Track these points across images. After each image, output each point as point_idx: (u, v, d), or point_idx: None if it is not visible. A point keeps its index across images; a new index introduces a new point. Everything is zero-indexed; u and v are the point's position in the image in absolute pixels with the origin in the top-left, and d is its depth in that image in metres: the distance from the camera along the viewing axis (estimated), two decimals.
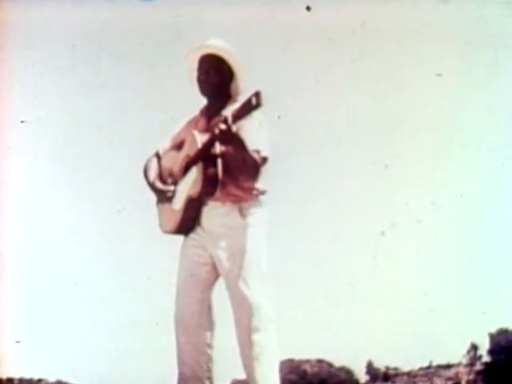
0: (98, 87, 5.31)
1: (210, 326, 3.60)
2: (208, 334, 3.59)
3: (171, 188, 3.61)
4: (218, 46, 3.64)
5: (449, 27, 5.15)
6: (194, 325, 3.57)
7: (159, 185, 3.66)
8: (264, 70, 4.88)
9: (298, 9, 5.01)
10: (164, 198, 3.64)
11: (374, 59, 5.39)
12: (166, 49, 5.18)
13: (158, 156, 3.77)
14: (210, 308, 3.62)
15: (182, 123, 3.82)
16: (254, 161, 3.41)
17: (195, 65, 3.67)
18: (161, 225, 3.72)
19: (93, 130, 5.33)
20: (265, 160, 3.44)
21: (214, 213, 3.55)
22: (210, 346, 3.59)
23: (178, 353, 3.59)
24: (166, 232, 3.70)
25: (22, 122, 4.89)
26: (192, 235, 3.62)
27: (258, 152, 3.41)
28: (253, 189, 3.53)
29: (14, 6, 4.87)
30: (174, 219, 3.61)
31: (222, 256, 3.52)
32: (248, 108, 3.16)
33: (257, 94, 3.12)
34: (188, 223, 3.59)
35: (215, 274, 3.60)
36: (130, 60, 5.31)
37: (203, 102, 3.76)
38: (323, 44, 5.24)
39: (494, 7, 4.95)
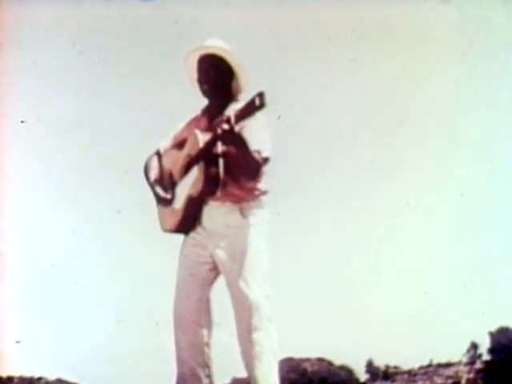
0: (98, 87, 5.32)
1: (208, 324, 3.60)
2: (207, 332, 3.58)
3: (169, 196, 3.62)
4: (216, 45, 3.63)
5: (449, 27, 5.16)
6: (193, 323, 3.56)
7: (159, 191, 3.66)
8: (264, 70, 4.88)
9: (297, 9, 5.01)
10: (163, 203, 3.65)
11: (374, 59, 5.39)
12: (166, 49, 5.18)
13: (158, 155, 3.76)
14: (208, 307, 3.62)
15: (183, 122, 3.81)
16: (256, 161, 3.40)
17: (195, 66, 3.66)
18: (161, 224, 3.71)
19: (93, 129, 5.33)
20: (266, 160, 3.44)
21: (215, 212, 3.54)
22: (208, 344, 3.59)
23: (177, 351, 3.59)
24: (165, 231, 3.69)
25: (21, 122, 4.90)
26: (192, 234, 3.61)
27: (259, 152, 3.40)
28: (254, 189, 3.53)
29: (14, 6, 4.87)
30: (175, 218, 3.60)
31: (223, 255, 3.51)
32: (251, 108, 3.16)
33: (260, 95, 3.11)
34: (188, 222, 3.59)
35: (215, 273, 3.60)
36: (130, 60, 5.31)
37: (204, 101, 3.75)
38: (323, 44, 5.25)
39: (493, 7, 4.95)
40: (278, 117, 4.01)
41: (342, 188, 5.67)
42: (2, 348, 4.82)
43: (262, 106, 3.10)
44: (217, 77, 3.62)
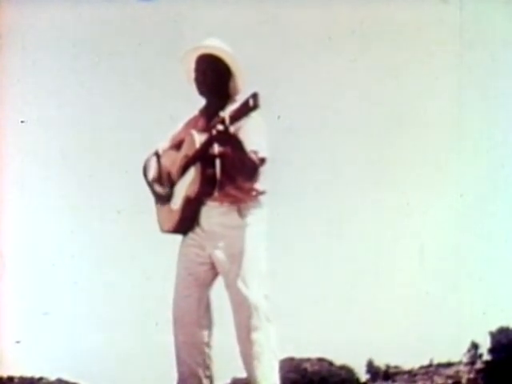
0: (98, 87, 5.32)
1: (208, 324, 3.60)
2: (206, 332, 3.59)
3: (168, 191, 3.62)
4: (214, 45, 3.63)
5: (449, 27, 5.15)
6: (192, 324, 3.57)
7: (157, 188, 3.67)
8: (264, 70, 4.88)
9: (297, 9, 5.01)
10: (161, 200, 3.65)
11: (374, 59, 5.39)
12: (165, 49, 5.18)
13: (157, 155, 3.77)
14: (208, 307, 3.62)
15: (182, 123, 3.82)
16: (252, 162, 3.41)
17: (192, 65, 3.67)
18: (159, 224, 3.72)
19: (92, 129, 5.34)
20: (263, 161, 3.44)
21: (213, 213, 3.55)
22: (208, 344, 3.60)
23: (177, 352, 3.60)
24: (164, 231, 3.70)
25: (21, 122, 4.90)
26: (191, 235, 3.62)
27: (255, 153, 3.41)
28: (251, 190, 3.54)
29: (14, 6, 4.88)
30: (173, 219, 3.61)
31: (221, 256, 3.52)
32: (246, 109, 3.17)
33: (254, 96, 3.13)
34: (186, 223, 3.60)
35: (213, 273, 3.61)
36: (130, 60, 5.31)
37: (203, 101, 3.75)
38: (323, 44, 5.24)
39: (493, 7, 4.95)
40: (278, 117, 4.03)
41: (341, 188, 5.67)
42: (2, 348, 4.83)
43: (255, 106, 3.11)
44: (214, 77, 3.62)
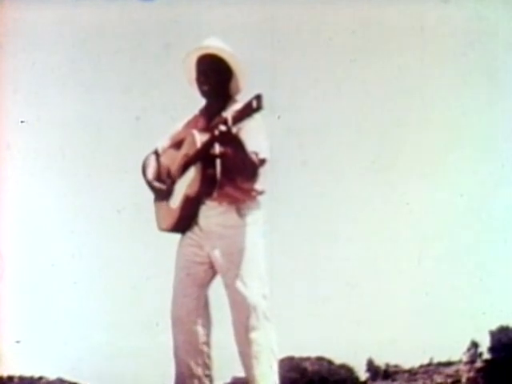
0: (98, 87, 5.32)
1: (206, 324, 3.60)
2: (205, 332, 3.59)
3: (168, 186, 3.62)
4: (215, 45, 3.63)
5: (449, 27, 5.16)
6: (191, 323, 3.57)
7: (156, 184, 3.67)
8: (264, 70, 4.88)
9: (298, 9, 5.01)
10: (161, 196, 3.65)
11: (374, 59, 5.40)
12: (166, 49, 5.18)
13: (156, 154, 3.78)
14: (206, 306, 3.62)
15: (182, 122, 3.81)
16: (253, 162, 3.40)
17: (193, 65, 3.66)
18: (157, 222, 3.72)
19: (92, 129, 5.34)
20: (263, 162, 3.44)
21: (212, 212, 3.55)
22: (207, 344, 3.59)
23: (176, 351, 3.59)
24: (162, 230, 3.70)
25: (21, 122, 4.90)
26: (189, 234, 3.62)
27: (256, 154, 3.41)
28: (251, 190, 3.53)
29: (14, 6, 4.88)
30: (171, 217, 3.61)
31: (220, 255, 3.52)
32: (248, 111, 3.16)
33: (258, 97, 3.12)
34: (185, 222, 3.60)
35: (212, 272, 3.60)
36: (130, 60, 5.32)
37: (203, 101, 3.75)
38: (323, 44, 5.25)
39: (493, 7, 4.95)
40: (278, 117, 4.03)
41: (341, 188, 5.68)
42: (2, 348, 4.83)
43: (259, 108, 3.11)
44: (215, 77, 3.62)
